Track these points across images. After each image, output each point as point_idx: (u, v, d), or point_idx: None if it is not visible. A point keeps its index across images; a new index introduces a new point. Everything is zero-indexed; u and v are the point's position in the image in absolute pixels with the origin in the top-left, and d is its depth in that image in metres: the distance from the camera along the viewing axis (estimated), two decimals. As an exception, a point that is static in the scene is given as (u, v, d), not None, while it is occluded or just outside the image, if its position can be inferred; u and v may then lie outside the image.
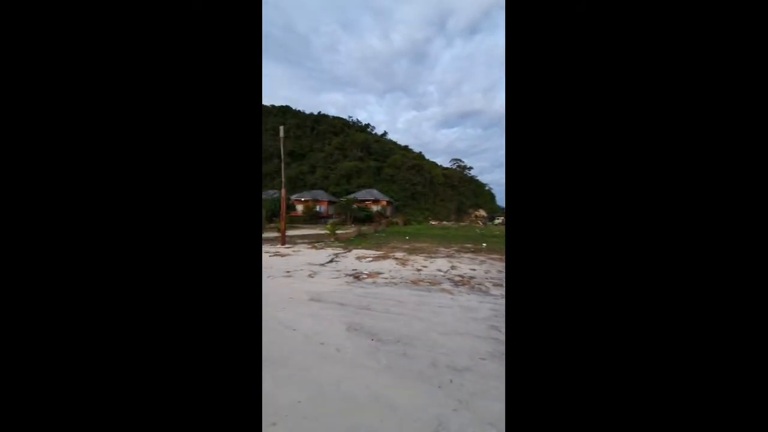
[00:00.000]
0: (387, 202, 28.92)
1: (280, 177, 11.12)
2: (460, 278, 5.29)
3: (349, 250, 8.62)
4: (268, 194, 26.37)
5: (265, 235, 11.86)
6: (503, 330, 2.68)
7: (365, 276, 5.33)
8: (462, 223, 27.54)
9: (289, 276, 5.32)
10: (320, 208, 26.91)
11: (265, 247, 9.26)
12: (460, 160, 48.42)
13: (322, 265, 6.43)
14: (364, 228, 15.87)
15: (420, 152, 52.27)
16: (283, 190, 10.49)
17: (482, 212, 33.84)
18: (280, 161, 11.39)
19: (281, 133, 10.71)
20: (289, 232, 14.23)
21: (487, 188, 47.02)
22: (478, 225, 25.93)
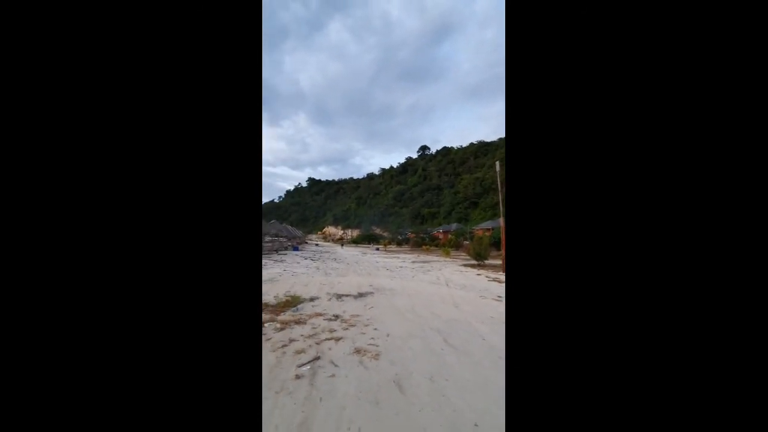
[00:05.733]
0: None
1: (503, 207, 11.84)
2: None
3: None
4: (496, 222, 27.46)
5: (489, 261, 12.83)
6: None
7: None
8: None
9: (499, 300, 5.82)
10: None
11: (486, 272, 10.18)
12: None
13: (538, 296, 6.12)
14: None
15: None
16: (501, 219, 11.05)
17: None
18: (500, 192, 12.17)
19: (497, 167, 11.61)
20: (515, 260, 13.96)
21: None
22: None
